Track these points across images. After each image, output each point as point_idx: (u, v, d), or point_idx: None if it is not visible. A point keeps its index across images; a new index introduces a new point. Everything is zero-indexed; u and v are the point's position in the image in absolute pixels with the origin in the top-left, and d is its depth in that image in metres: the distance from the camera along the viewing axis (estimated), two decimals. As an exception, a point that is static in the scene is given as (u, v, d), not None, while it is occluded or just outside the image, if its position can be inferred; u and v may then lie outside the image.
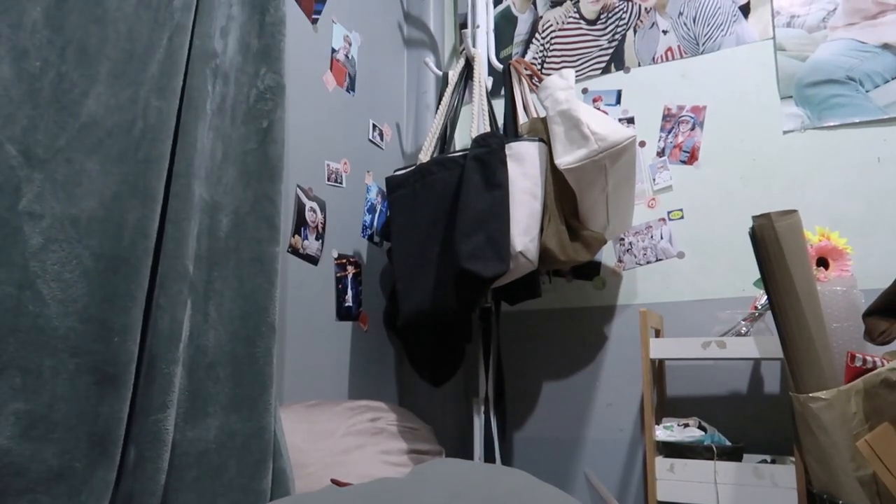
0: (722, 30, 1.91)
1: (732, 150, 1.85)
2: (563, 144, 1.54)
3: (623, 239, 1.95)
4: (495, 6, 2.24)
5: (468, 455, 1.85)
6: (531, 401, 2.00)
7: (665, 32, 1.99)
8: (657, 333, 1.75)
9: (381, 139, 2.03)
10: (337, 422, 1.44)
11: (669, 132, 1.93)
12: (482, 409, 1.76)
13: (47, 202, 0.94)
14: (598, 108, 2.01)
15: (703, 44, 1.93)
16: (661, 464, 1.51)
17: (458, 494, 0.85)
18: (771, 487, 1.42)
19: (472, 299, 1.53)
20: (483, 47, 1.97)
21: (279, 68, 1.30)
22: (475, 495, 0.85)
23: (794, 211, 1.21)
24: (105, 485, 0.96)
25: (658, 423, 1.61)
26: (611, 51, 2.06)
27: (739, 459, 1.49)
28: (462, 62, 1.83)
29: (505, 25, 2.24)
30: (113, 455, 0.97)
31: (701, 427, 1.57)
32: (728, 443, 1.54)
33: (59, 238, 0.95)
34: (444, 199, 1.57)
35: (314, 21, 1.75)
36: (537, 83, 1.69)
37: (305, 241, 1.61)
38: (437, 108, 1.80)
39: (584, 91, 2.07)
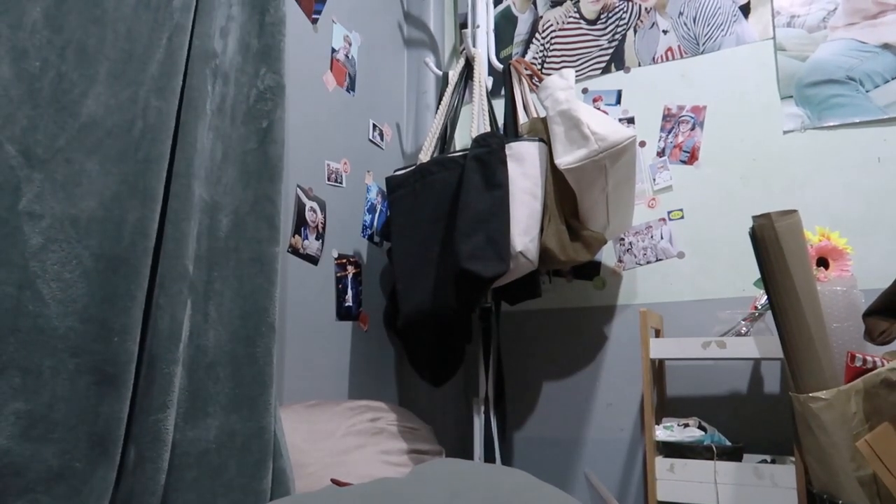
0: (722, 30, 1.91)
1: (732, 150, 1.85)
2: (564, 144, 1.54)
3: (623, 239, 1.95)
4: (495, 6, 2.24)
5: (468, 455, 1.85)
6: (531, 401, 2.00)
7: (665, 32, 1.99)
8: (657, 333, 1.75)
9: (381, 139, 2.03)
10: (337, 422, 1.44)
11: (669, 132, 1.93)
12: (482, 409, 1.76)
13: (47, 202, 0.94)
14: (598, 108, 2.01)
15: (704, 44, 1.93)
16: (661, 464, 1.51)
17: (459, 494, 0.85)
18: (771, 487, 1.42)
19: (472, 299, 1.53)
20: (483, 47, 1.97)
21: (279, 68, 1.30)
22: (475, 495, 0.85)
23: (794, 211, 1.21)
24: (105, 485, 0.96)
25: (658, 423, 1.61)
26: (611, 51, 2.06)
27: (739, 459, 1.49)
28: (462, 62, 1.83)
29: (505, 25, 2.24)
30: (113, 455, 0.97)
31: (701, 427, 1.57)
32: (728, 443, 1.54)
33: (59, 238, 0.95)
34: (444, 199, 1.57)
35: (314, 21, 1.75)
36: (537, 83, 1.69)
37: (305, 241, 1.61)
38: (437, 108, 1.80)
39: (585, 91, 2.07)
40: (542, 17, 2.19)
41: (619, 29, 2.05)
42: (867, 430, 1.12)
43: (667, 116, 1.94)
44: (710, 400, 1.76)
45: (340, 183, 1.79)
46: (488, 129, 1.66)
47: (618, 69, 2.04)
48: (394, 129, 2.11)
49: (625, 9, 2.05)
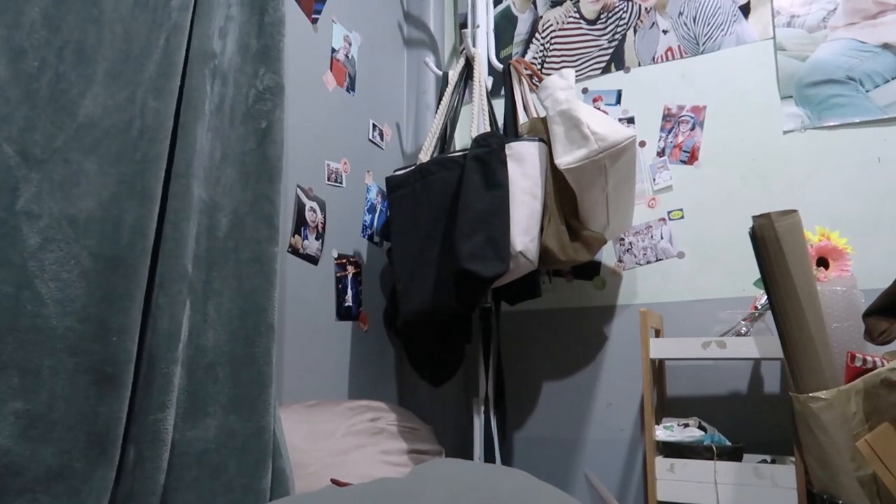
0: (722, 30, 1.91)
1: (732, 150, 1.85)
2: (563, 144, 1.54)
3: (623, 239, 1.94)
4: (495, 6, 2.24)
5: (468, 455, 1.85)
6: (531, 401, 2.00)
7: (665, 32, 1.99)
8: (657, 333, 1.75)
9: (381, 139, 2.03)
10: (337, 422, 1.44)
11: (669, 132, 1.93)
12: (482, 409, 1.76)
13: (45, 202, 0.94)
14: (598, 108, 2.01)
15: (704, 44, 1.93)
16: (661, 464, 1.51)
17: (459, 494, 0.85)
18: (771, 487, 1.42)
19: (472, 299, 1.53)
20: (483, 47, 1.97)
21: (278, 69, 1.30)
22: (475, 495, 0.85)
23: (794, 211, 1.21)
24: (104, 484, 0.96)
25: (658, 423, 1.61)
26: (611, 51, 2.06)
27: (739, 459, 1.48)
28: (462, 62, 1.83)
29: (505, 25, 2.24)
30: (112, 454, 0.97)
31: (701, 427, 1.57)
32: (728, 443, 1.54)
33: (57, 238, 0.95)
34: (444, 199, 1.57)
35: (314, 21, 1.75)
36: (537, 83, 1.69)
37: (305, 241, 1.61)
38: (437, 107, 1.80)
39: (584, 91, 2.07)
40: (542, 16, 2.19)
41: (619, 29, 2.05)
42: (867, 430, 1.11)
43: (667, 116, 1.94)
44: (710, 400, 1.76)
45: (340, 183, 1.79)
46: (488, 129, 1.66)
47: (618, 69, 2.04)
48: (394, 129, 2.11)
49: (625, 9, 2.05)
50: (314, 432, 1.37)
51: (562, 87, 1.58)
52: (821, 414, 1.16)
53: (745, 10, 1.89)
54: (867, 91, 1.71)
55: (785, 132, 1.80)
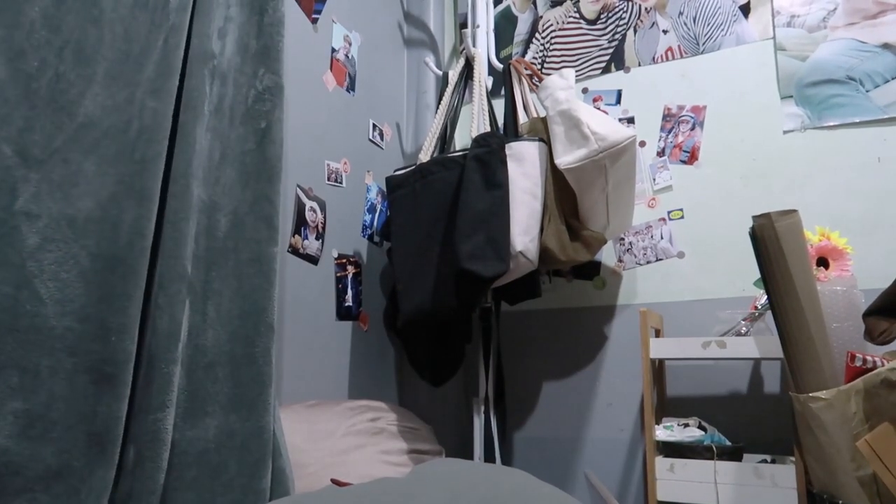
0: (722, 29, 1.91)
1: (732, 150, 1.85)
2: (563, 144, 1.54)
3: (623, 239, 1.94)
4: (495, 6, 2.24)
5: (468, 455, 1.85)
6: (531, 401, 2.00)
7: (665, 32, 1.99)
8: (657, 333, 1.75)
9: (381, 139, 2.03)
10: (337, 422, 1.44)
11: (669, 132, 1.93)
12: (482, 409, 1.76)
13: (44, 202, 0.94)
14: (598, 108, 2.01)
15: (704, 44, 1.93)
16: (661, 464, 1.51)
17: (459, 494, 0.84)
18: (771, 487, 1.41)
19: (472, 299, 1.53)
20: (483, 47, 1.97)
21: (278, 69, 1.30)
22: (475, 495, 0.85)
23: (794, 211, 1.21)
24: (104, 484, 0.96)
25: (658, 423, 1.61)
26: (611, 50, 2.06)
27: (739, 459, 1.48)
28: (462, 62, 1.83)
29: (505, 25, 2.24)
30: (112, 454, 0.97)
31: (701, 427, 1.57)
32: (728, 443, 1.53)
33: (56, 238, 0.95)
34: (444, 199, 1.57)
35: (314, 21, 1.75)
36: (537, 83, 1.69)
37: (305, 241, 1.61)
38: (437, 107, 1.80)
39: (585, 91, 2.07)
40: (542, 16, 2.19)
41: (619, 29, 2.05)
42: (867, 430, 1.11)
43: (667, 116, 1.94)
44: (710, 400, 1.76)
45: (340, 183, 1.79)
46: (488, 128, 1.66)
47: (618, 69, 2.04)
48: (394, 129, 2.11)
49: (625, 9, 2.05)
50: (314, 432, 1.37)
51: (562, 86, 1.58)
52: (821, 414, 1.16)
53: (745, 9, 1.89)
54: (867, 91, 1.71)
55: (785, 132, 1.80)
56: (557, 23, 2.16)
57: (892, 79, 1.69)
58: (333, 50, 1.82)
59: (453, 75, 1.81)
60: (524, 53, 2.20)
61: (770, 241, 1.20)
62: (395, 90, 2.15)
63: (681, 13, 1.97)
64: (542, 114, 1.68)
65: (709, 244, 1.84)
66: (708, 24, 1.93)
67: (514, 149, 1.54)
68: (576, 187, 1.57)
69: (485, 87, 1.75)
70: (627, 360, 1.88)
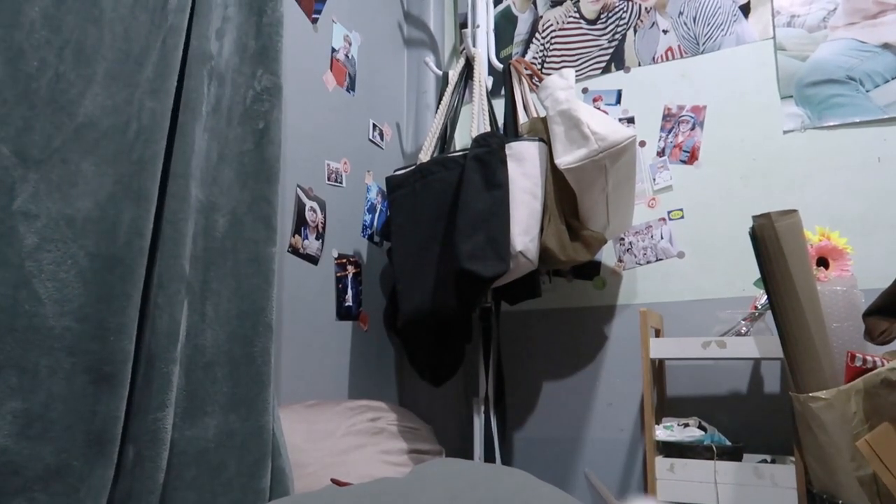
0: (722, 29, 1.91)
1: (732, 150, 1.85)
2: (564, 144, 1.54)
3: (623, 239, 1.94)
4: (495, 6, 2.24)
5: (468, 455, 1.85)
6: (531, 401, 2.00)
7: (665, 32, 1.99)
8: (657, 333, 1.75)
9: (381, 139, 2.03)
10: (337, 422, 1.44)
11: (669, 132, 1.93)
12: (482, 409, 1.75)
13: (42, 202, 0.94)
14: (598, 108, 2.01)
15: (704, 43, 1.93)
16: (661, 464, 1.51)
17: (458, 494, 0.84)
18: (771, 487, 1.41)
19: (472, 299, 1.52)
20: (483, 47, 1.96)
21: (276, 69, 1.30)
22: (475, 495, 0.85)
23: (794, 211, 1.21)
24: (103, 483, 0.96)
25: (658, 422, 1.61)
26: (611, 50, 2.06)
27: (739, 459, 1.48)
28: (462, 62, 1.83)
29: (505, 25, 2.24)
30: (111, 453, 0.97)
31: (701, 427, 1.57)
32: (728, 443, 1.53)
33: (55, 238, 0.95)
34: (444, 199, 1.57)
35: (314, 21, 1.75)
36: (537, 83, 1.69)
37: (305, 241, 1.61)
38: (437, 107, 1.80)
39: (585, 91, 2.07)
40: (542, 16, 2.19)
41: (619, 29, 2.05)
42: (867, 430, 1.11)
43: (667, 116, 1.94)
44: (710, 400, 1.76)
45: (340, 183, 1.79)
46: (488, 128, 1.66)
47: (618, 69, 2.04)
48: (394, 128, 2.11)
49: (625, 8, 2.05)
50: (314, 432, 1.37)
51: (562, 86, 1.58)
52: (821, 414, 1.16)
53: (745, 9, 1.89)
54: (867, 91, 1.71)
55: (785, 132, 1.79)
56: (557, 23, 2.16)
57: (892, 79, 1.68)
58: (333, 50, 1.82)
59: (453, 75, 1.81)
60: (524, 53, 2.20)
61: (770, 241, 1.20)
62: (395, 90, 2.15)
63: (681, 13, 1.97)
64: (542, 114, 1.67)
65: (709, 244, 1.84)
66: (708, 24, 1.93)
67: (514, 149, 1.54)
68: (576, 187, 1.57)
69: (485, 87, 1.75)
70: (627, 360, 1.88)
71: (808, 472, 1.25)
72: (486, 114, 1.68)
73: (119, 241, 1.01)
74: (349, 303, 1.77)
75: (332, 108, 1.79)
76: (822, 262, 1.47)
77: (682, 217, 1.88)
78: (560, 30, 2.15)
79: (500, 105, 1.80)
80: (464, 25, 2.16)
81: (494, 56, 2.03)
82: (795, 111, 1.78)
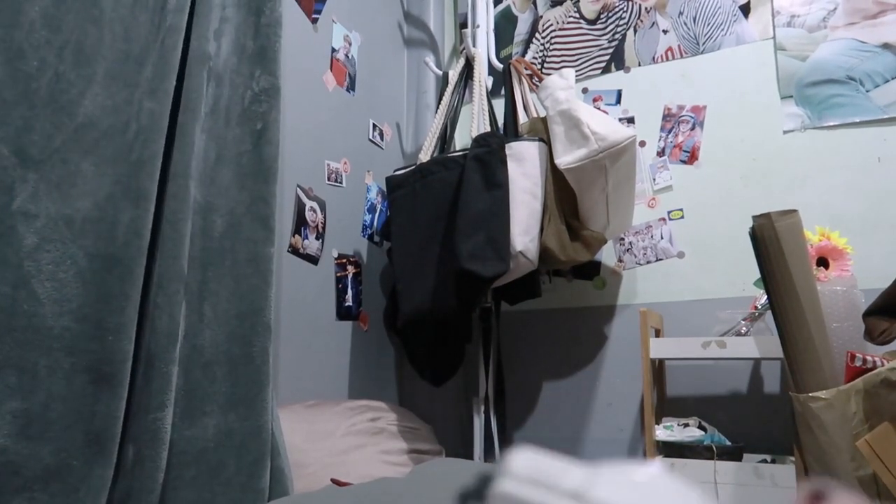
0: (722, 29, 1.91)
1: (732, 150, 1.85)
2: (564, 144, 1.54)
3: (623, 239, 1.94)
4: (495, 6, 2.24)
5: (468, 455, 1.85)
6: (531, 401, 2.00)
7: (665, 32, 1.99)
8: (657, 333, 1.75)
9: (381, 139, 2.02)
10: (337, 422, 1.44)
11: (669, 132, 1.93)
12: (482, 408, 1.75)
13: (42, 202, 0.94)
14: (598, 108, 2.01)
15: (704, 43, 1.93)
16: (661, 463, 1.50)
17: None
18: (771, 487, 1.41)
19: (472, 299, 1.53)
20: (483, 47, 1.96)
21: (274, 70, 1.30)
22: (474, 495, 0.85)
23: (794, 211, 1.21)
24: (102, 482, 0.96)
25: (658, 422, 1.60)
26: (611, 50, 2.06)
27: (739, 459, 1.48)
28: (462, 62, 1.83)
29: (505, 25, 2.24)
30: (110, 453, 0.97)
31: (701, 427, 1.57)
32: (728, 443, 1.53)
33: (54, 238, 0.95)
34: (444, 199, 1.57)
35: (314, 21, 1.75)
36: (537, 83, 1.69)
37: (305, 241, 1.61)
38: (437, 107, 1.80)
39: (585, 91, 2.07)
40: (542, 16, 2.19)
41: (619, 29, 2.05)
42: (867, 430, 1.11)
43: (667, 116, 1.94)
44: (710, 400, 1.76)
45: (340, 183, 1.79)
46: (488, 128, 1.66)
47: (618, 69, 2.04)
48: (394, 128, 2.11)
49: (625, 8, 2.05)
50: (314, 432, 1.37)
51: (562, 86, 1.58)
52: (821, 414, 1.15)
53: (745, 9, 1.89)
54: (867, 91, 1.71)
55: (785, 132, 1.79)
56: (557, 23, 2.16)
57: (892, 79, 1.68)
58: (333, 50, 1.82)
59: (453, 75, 1.81)
60: (524, 53, 2.20)
61: (770, 241, 1.20)
62: (395, 90, 2.15)
63: (681, 13, 1.97)
64: (542, 114, 1.67)
65: (709, 244, 1.84)
66: (708, 24, 1.93)
67: (514, 149, 1.54)
68: (576, 187, 1.57)
69: (485, 86, 1.75)
70: (627, 360, 1.88)
71: (808, 472, 1.25)
72: (486, 114, 1.69)
73: (118, 241, 1.01)
74: (349, 303, 1.77)
75: (332, 108, 1.79)
76: (822, 262, 1.47)
77: (682, 217, 1.88)
78: (560, 30, 2.15)
79: (500, 105, 1.80)
80: (464, 25, 2.16)
81: (494, 56, 2.03)
82: (795, 111, 1.78)
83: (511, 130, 1.69)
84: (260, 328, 1.19)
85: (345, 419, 1.46)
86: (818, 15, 1.79)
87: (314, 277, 1.65)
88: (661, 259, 1.89)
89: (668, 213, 1.90)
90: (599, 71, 2.07)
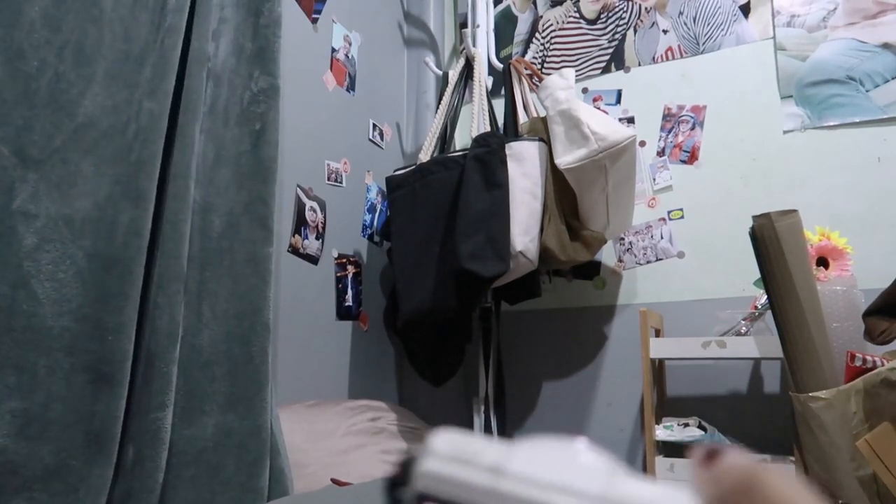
0: (722, 29, 1.91)
1: (732, 150, 1.85)
2: (563, 144, 1.54)
3: (623, 238, 1.94)
4: (495, 6, 2.24)
5: (468, 455, 1.84)
6: (531, 401, 2.00)
7: (665, 32, 1.98)
8: (657, 333, 1.75)
9: (381, 139, 2.02)
10: (337, 422, 1.44)
11: (669, 132, 1.93)
12: (482, 409, 1.75)
13: (41, 202, 0.94)
14: (598, 108, 2.01)
15: (704, 43, 1.93)
16: (661, 463, 1.51)
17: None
18: (771, 487, 1.41)
19: (472, 299, 1.52)
20: (483, 47, 1.96)
21: (273, 70, 1.30)
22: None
23: (794, 211, 1.21)
24: (102, 482, 0.96)
25: (658, 422, 1.60)
26: (611, 50, 2.06)
27: (739, 459, 1.48)
28: (462, 62, 1.83)
29: (505, 25, 2.24)
30: (110, 453, 0.97)
31: (701, 427, 1.57)
32: (728, 443, 1.53)
33: (53, 238, 0.95)
34: (444, 199, 1.57)
35: (314, 21, 1.75)
36: (537, 83, 1.69)
37: (305, 241, 1.61)
38: (437, 107, 1.80)
39: (585, 91, 2.07)
40: (542, 16, 2.19)
41: (619, 28, 2.05)
42: (867, 430, 1.11)
43: (667, 116, 1.94)
44: (710, 400, 1.75)
45: (340, 183, 1.79)
46: (488, 128, 1.66)
47: (618, 69, 2.04)
48: (394, 128, 2.11)
49: (625, 8, 2.05)
50: (314, 432, 1.37)
51: (562, 86, 1.58)
52: (821, 414, 1.15)
53: (745, 9, 1.89)
54: (867, 91, 1.70)
55: (785, 132, 1.79)
56: (557, 22, 2.16)
57: (892, 79, 1.68)
58: (333, 50, 1.82)
59: (453, 75, 1.81)
60: (524, 53, 2.20)
61: (770, 241, 1.20)
62: (395, 90, 2.15)
63: (681, 13, 1.97)
64: (542, 114, 1.67)
65: (709, 244, 1.84)
66: (708, 24, 1.93)
67: (514, 149, 1.53)
68: (576, 187, 1.57)
69: (485, 86, 1.75)
70: (627, 360, 1.88)
71: (808, 472, 1.25)
72: (486, 114, 1.69)
73: (117, 241, 1.01)
74: (349, 303, 1.77)
75: (332, 108, 1.79)
76: (822, 262, 1.47)
77: (682, 217, 1.88)
78: (560, 30, 2.15)
79: (500, 105, 1.80)
80: (464, 25, 2.16)
81: (494, 56, 2.03)
82: (795, 111, 1.78)
83: (511, 130, 1.69)
84: (259, 328, 1.19)
85: (345, 419, 1.46)
86: (818, 15, 1.79)
87: (314, 277, 1.65)
88: (661, 259, 1.89)
89: (668, 212, 1.90)
90: (599, 71, 2.07)
